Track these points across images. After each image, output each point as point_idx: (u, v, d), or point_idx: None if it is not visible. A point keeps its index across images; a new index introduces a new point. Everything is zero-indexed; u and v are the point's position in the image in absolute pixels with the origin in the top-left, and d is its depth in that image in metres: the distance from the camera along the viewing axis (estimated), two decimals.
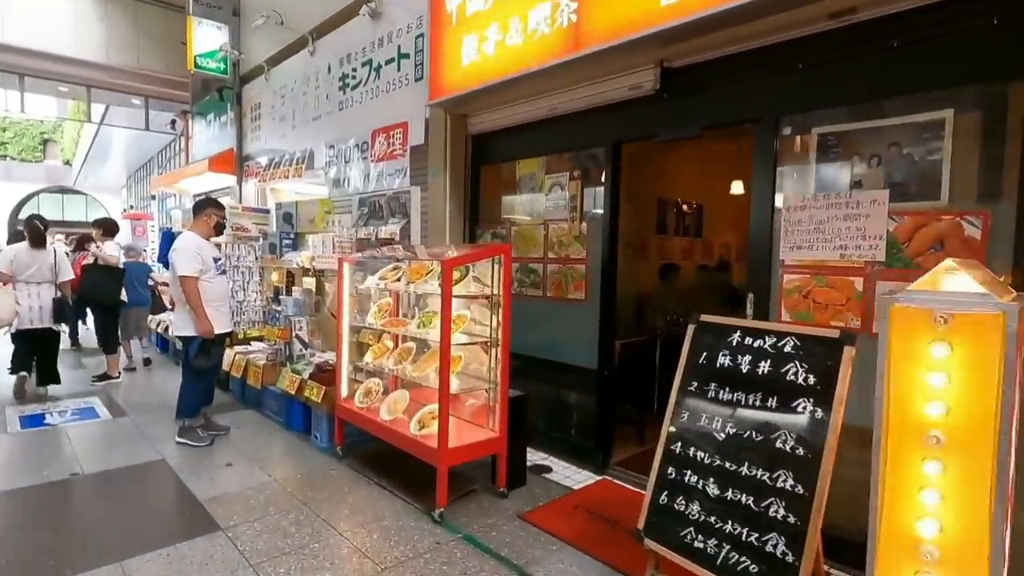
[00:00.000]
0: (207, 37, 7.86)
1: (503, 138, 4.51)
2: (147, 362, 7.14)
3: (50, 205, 28.69)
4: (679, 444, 2.33)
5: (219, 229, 4.36)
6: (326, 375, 4.32)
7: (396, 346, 4.06)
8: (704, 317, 2.45)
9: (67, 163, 27.55)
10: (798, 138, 2.89)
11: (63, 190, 28.16)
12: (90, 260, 6.15)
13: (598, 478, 3.76)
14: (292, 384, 4.55)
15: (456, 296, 3.28)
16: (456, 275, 3.44)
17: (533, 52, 3.63)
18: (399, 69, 5.12)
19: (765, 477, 2.03)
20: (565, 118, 4.00)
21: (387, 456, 3.95)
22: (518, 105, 4.20)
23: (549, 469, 3.88)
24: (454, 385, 3.44)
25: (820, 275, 2.77)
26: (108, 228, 6.20)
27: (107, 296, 6.05)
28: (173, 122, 10.90)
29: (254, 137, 7.98)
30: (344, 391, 4.07)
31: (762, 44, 2.93)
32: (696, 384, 2.36)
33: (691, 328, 2.47)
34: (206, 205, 4.30)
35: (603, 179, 3.81)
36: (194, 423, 4.31)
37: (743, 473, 2.10)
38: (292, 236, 5.97)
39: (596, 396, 3.91)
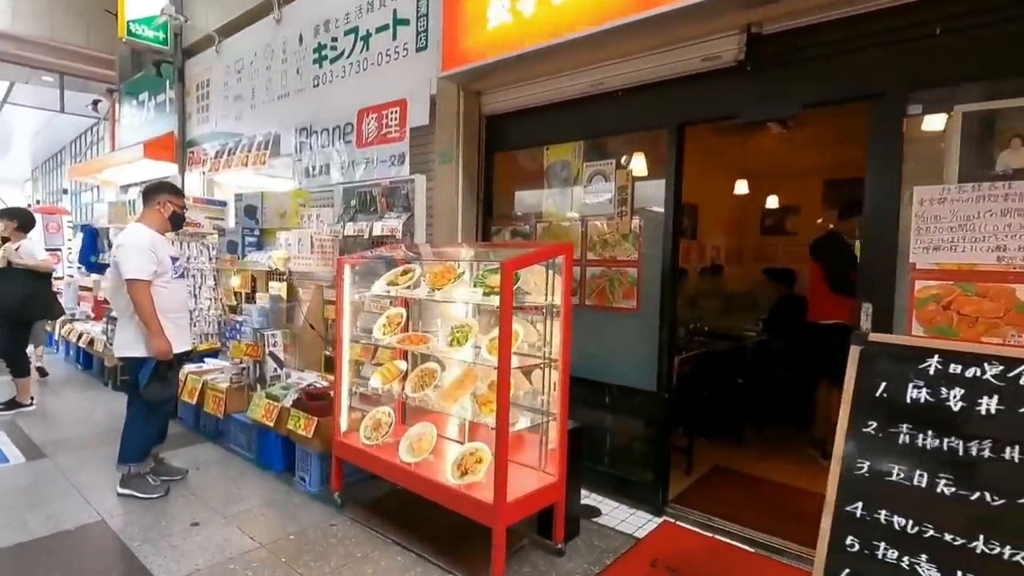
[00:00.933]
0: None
1: (527, 119, 3.86)
2: (42, 373, 6.06)
3: None
4: (860, 505, 1.77)
5: (176, 222, 3.45)
6: (319, 404, 3.51)
7: (403, 366, 3.32)
8: (875, 336, 1.91)
9: None
10: (933, 117, 2.42)
11: None
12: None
13: (658, 520, 3.18)
14: (269, 414, 3.70)
15: (485, 307, 2.61)
16: (489, 281, 2.77)
17: (583, 13, 3.01)
18: (395, 38, 4.36)
19: (1020, 558, 1.50)
20: (612, 96, 3.40)
21: (399, 501, 3.21)
22: (552, 80, 3.56)
23: (598, 511, 3.26)
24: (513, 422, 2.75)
25: (967, 282, 2.30)
26: (23, 222, 5.02)
27: (24, 309, 4.90)
28: (96, 103, 9.44)
29: (201, 119, 6.90)
30: (344, 424, 3.28)
31: (888, 5, 2.44)
32: (876, 425, 1.81)
33: (856, 350, 1.92)
34: (159, 191, 3.38)
35: (665, 166, 3.24)
36: (142, 468, 3.38)
37: (980, 551, 1.56)
38: (257, 233, 5.05)
39: (653, 422, 3.32)
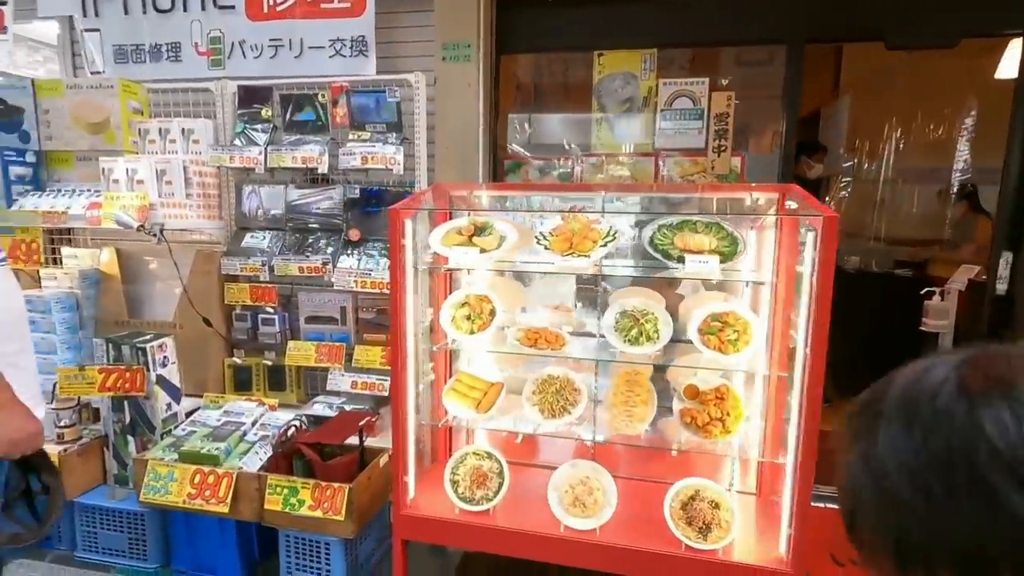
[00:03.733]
0: None
1: (569, 10, 2.77)
2: None
3: None
4: None
5: None
6: (341, 462, 2.03)
7: (491, 379, 2.15)
8: None
9: None
10: None
11: None
12: None
13: None
14: (205, 490, 2.06)
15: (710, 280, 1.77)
16: (685, 242, 1.88)
17: None
18: None
19: None
20: None
21: None
22: None
23: None
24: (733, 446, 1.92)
25: None
26: None
27: None
28: None
29: None
30: (411, 486, 1.98)
31: None
32: None
33: None
34: None
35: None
36: None
37: None
38: (30, 161, 2.74)
39: None
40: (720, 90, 2.73)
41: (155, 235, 2.46)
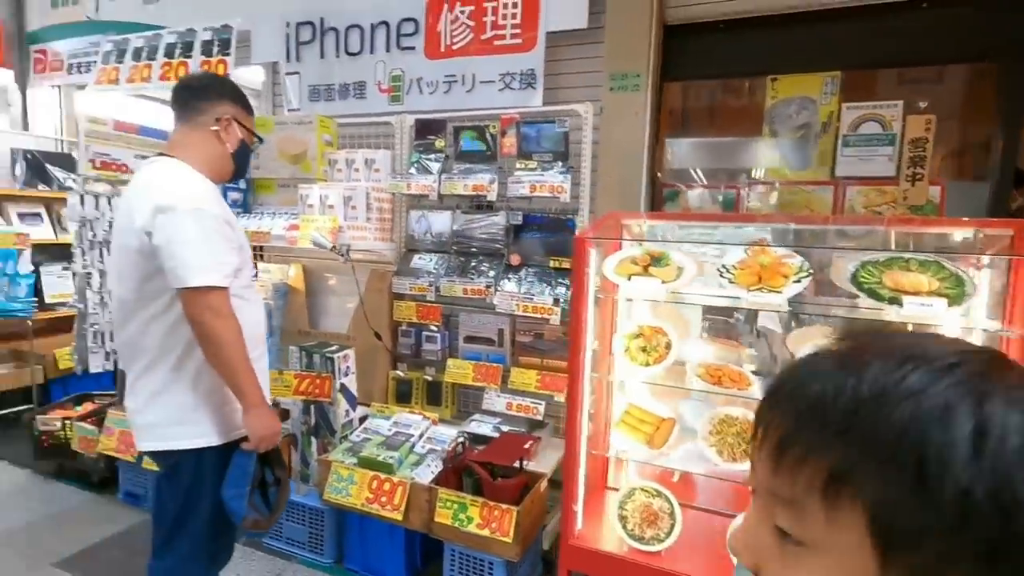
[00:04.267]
0: None
1: (741, 34, 2.69)
2: None
3: None
4: None
5: (242, 160, 1.69)
6: (510, 484, 2.08)
7: (663, 414, 2.08)
8: None
9: None
10: None
11: None
12: None
13: None
14: (381, 496, 2.18)
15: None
16: (908, 281, 1.69)
17: None
18: None
19: None
20: (909, 5, 2.41)
21: None
22: None
23: None
24: None
25: None
26: None
27: None
28: None
29: (58, 2, 4.34)
30: (580, 516, 1.96)
31: None
32: None
33: None
34: (214, 91, 1.60)
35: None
36: None
37: None
38: (242, 189, 3.16)
39: None
40: (917, 113, 2.48)
41: (343, 255, 2.71)
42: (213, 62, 3.51)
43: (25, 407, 3.95)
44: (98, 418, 3.00)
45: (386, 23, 3.12)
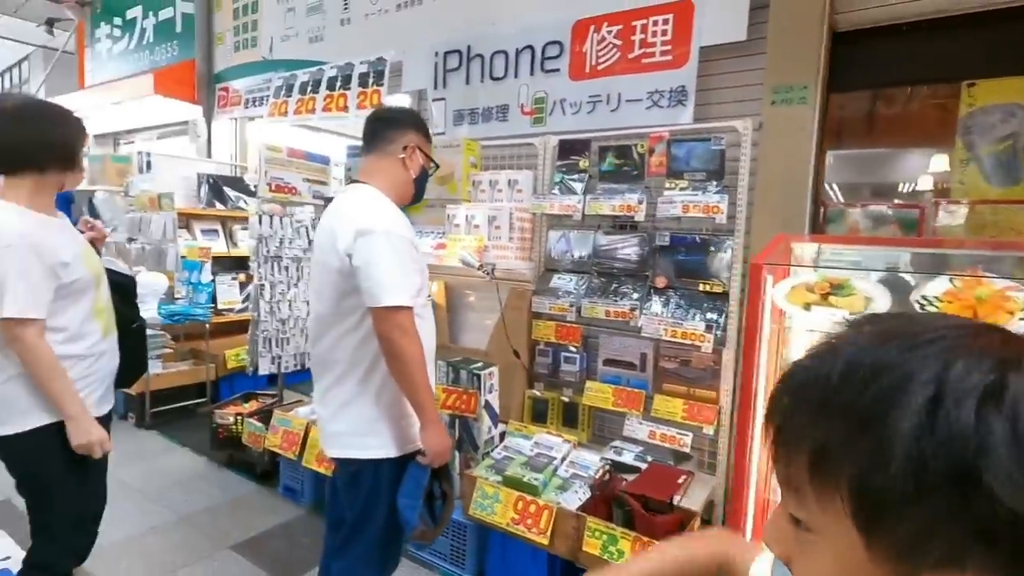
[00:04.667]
0: None
1: (924, 37, 2.41)
2: None
3: None
4: None
5: (421, 181, 1.79)
6: (666, 521, 1.98)
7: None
8: None
9: None
10: None
11: None
12: None
13: None
14: (527, 518, 2.16)
15: None
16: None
17: None
18: None
19: None
20: None
21: None
22: None
23: None
24: None
25: None
26: None
27: None
28: (51, 22, 7.05)
29: (239, 44, 4.97)
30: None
31: None
32: None
33: None
34: (403, 123, 1.71)
35: None
36: None
37: None
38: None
39: None
40: None
41: (488, 273, 2.78)
42: (368, 92, 3.80)
43: (199, 400, 4.50)
44: (264, 416, 3.32)
45: (531, 47, 3.20)
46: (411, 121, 1.73)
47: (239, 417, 3.37)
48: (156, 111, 5.35)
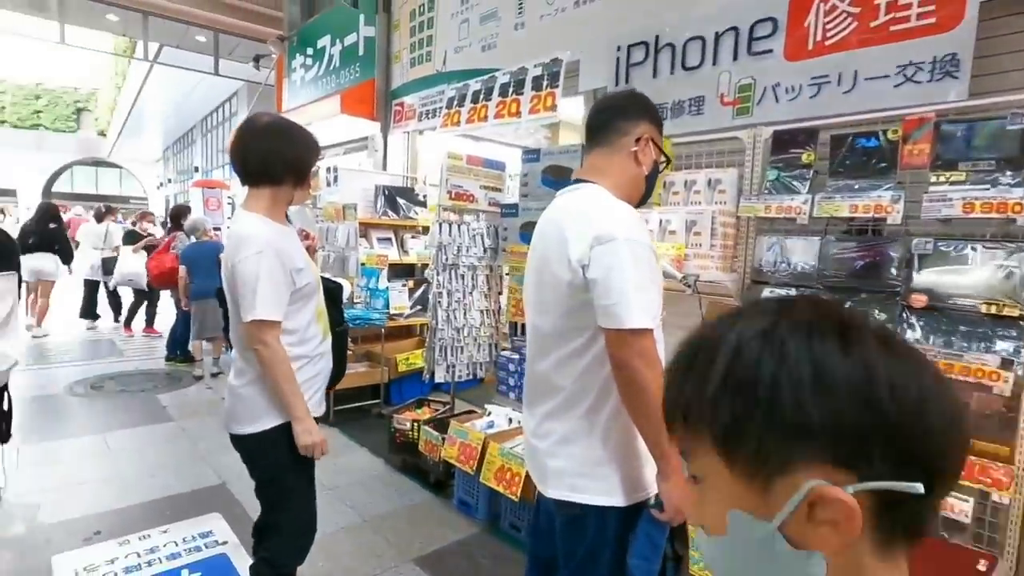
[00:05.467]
0: None
1: None
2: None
3: (83, 177, 26.83)
4: None
5: (652, 178, 1.54)
6: None
7: None
8: None
9: (101, 134, 25.45)
10: None
11: (97, 163, 26.21)
12: None
13: None
14: None
15: None
16: None
17: None
18: None
19: None
20: None
21: None
22: None
23: None
24: None
25: None
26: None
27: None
28: (257, 59, 8.11)
29: (414, 61, 5.18)
30: None
31: None
32: None
33: None
34: (632, 112, 1.48)
35: None
36: None
37: None
38: None
39: None
40: None
41: (690, 286, 2.44)
42: (542, 95, 3.66)
43: (374, 401, 4.71)
44: (438, 424, 3.30)
45: (735, 28, 2.81)
46: (644, 109, 1.49)
47: (416, 424, 3.39)
48: (341, 129, 5.80)
